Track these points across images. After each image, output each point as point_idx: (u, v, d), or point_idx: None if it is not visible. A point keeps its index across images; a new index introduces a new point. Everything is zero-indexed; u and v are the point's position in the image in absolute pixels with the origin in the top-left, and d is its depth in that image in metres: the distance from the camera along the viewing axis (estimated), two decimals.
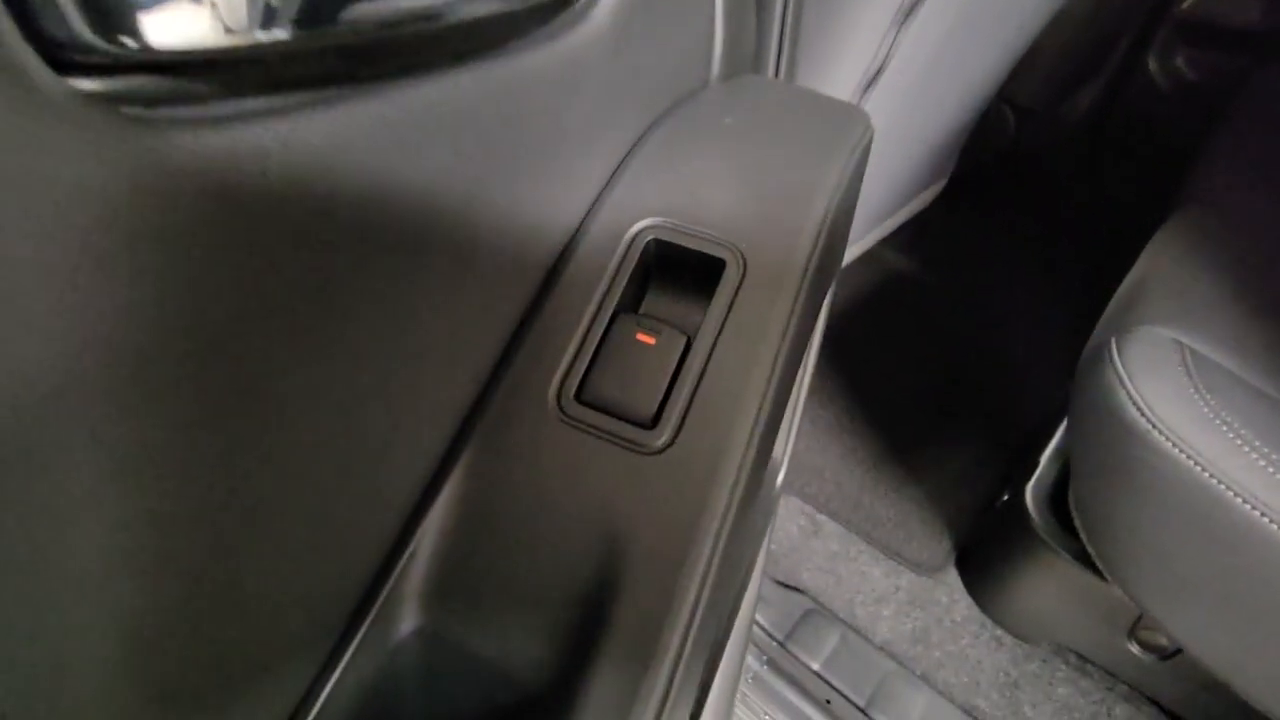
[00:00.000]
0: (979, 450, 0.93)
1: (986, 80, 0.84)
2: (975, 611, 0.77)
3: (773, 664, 0.73)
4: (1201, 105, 1.41)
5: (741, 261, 0.20)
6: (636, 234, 0.21)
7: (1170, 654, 0.64)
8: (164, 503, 0.12)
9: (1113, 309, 0.61)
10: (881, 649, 0.74)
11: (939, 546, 0.82)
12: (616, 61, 0.20)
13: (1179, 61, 1.51)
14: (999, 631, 0.75)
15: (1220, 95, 1.30)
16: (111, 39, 0.10)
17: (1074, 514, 0.64)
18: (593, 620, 0.17)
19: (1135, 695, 0.70)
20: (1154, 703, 0.69)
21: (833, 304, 1.16)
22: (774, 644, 0.74)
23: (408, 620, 0.18)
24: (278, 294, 0.13)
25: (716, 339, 0.19)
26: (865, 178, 0.67)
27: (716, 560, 0.17)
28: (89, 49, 0.10)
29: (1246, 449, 0.48)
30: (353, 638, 0.18)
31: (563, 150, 0.20)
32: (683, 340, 0.20)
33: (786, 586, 0.79)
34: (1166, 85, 1.53)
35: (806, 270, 0.20)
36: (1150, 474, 0.50)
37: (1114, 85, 1.55)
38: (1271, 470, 0.47)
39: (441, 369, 0.18)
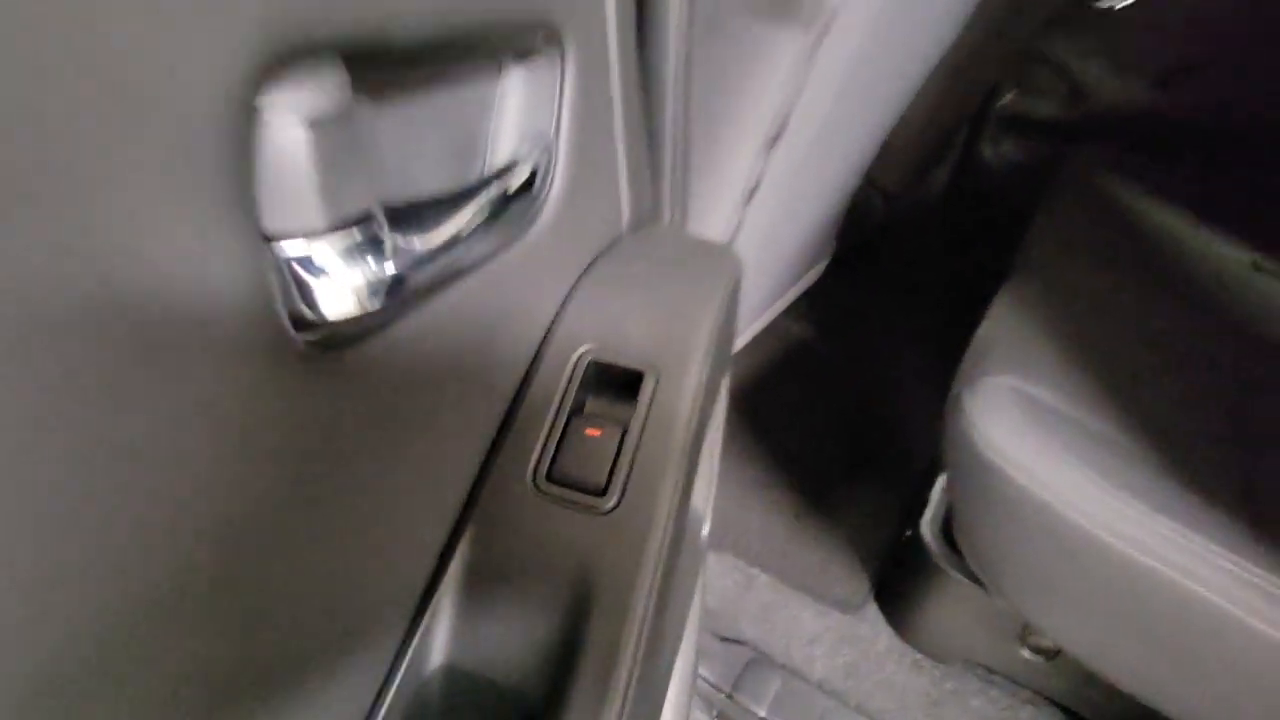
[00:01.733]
0: (884, 494, 1.04)
1: (850, 175, 0.99)
2: (896, 641, 0.85)
3: (722, 715, 0.78)
4: (1029, 181, 1.68)
5: (656, 373, 0.29)
6: (579, 357, 0.29)
7: (1054, 654, 0.74)
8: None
9: (964, 364, 0.73)
10: (819, 687, 0.81)
11: (859, 585, 0.91)
12: (559, 237, 0.29)
13: (1006, 147, 1.81)
14: (918, 656, 0.83)
15: (1043, 172, 1.56)
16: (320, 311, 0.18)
17: (957, 540, 0.74)
18: (569, 644, 0.23)
19: (1036, 698, 0.79)
20: (1052, 703, 0.78)
21: (742, 375, 1.27)
22: (722, 696, 0.79)
23: (436, 658, 0.24)
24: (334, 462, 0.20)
25: (643, 429, 0.27)
26: (757, 264, 0.78)
27: (658, 583, 0.24)
28: (319, 321, 0.18)
29: (1074, 472, 0.59)
30: (394, 678, 0.23)
31: (527, 303, 0.28)
32: (620, 431, 0.28)
33: (728, 640, 0.85)
34: (999, 167, 1.81)
35: (701, 375, 0.28)
36: (1001, 499, 0.61)
37: (959, 169, 1.82)
38: (1095, 488, 0.58)
39: (444, 466, 0.25)
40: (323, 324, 0.18)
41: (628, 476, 0.26)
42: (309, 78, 0.16)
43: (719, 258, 0.36)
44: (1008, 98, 1.76)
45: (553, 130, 0.27)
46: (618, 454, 0.27)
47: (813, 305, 1.40)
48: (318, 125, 0.16)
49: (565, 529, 0.25)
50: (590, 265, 0.32)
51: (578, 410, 0.28)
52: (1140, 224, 1.21)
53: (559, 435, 0.27)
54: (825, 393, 1.28)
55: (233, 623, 0.18)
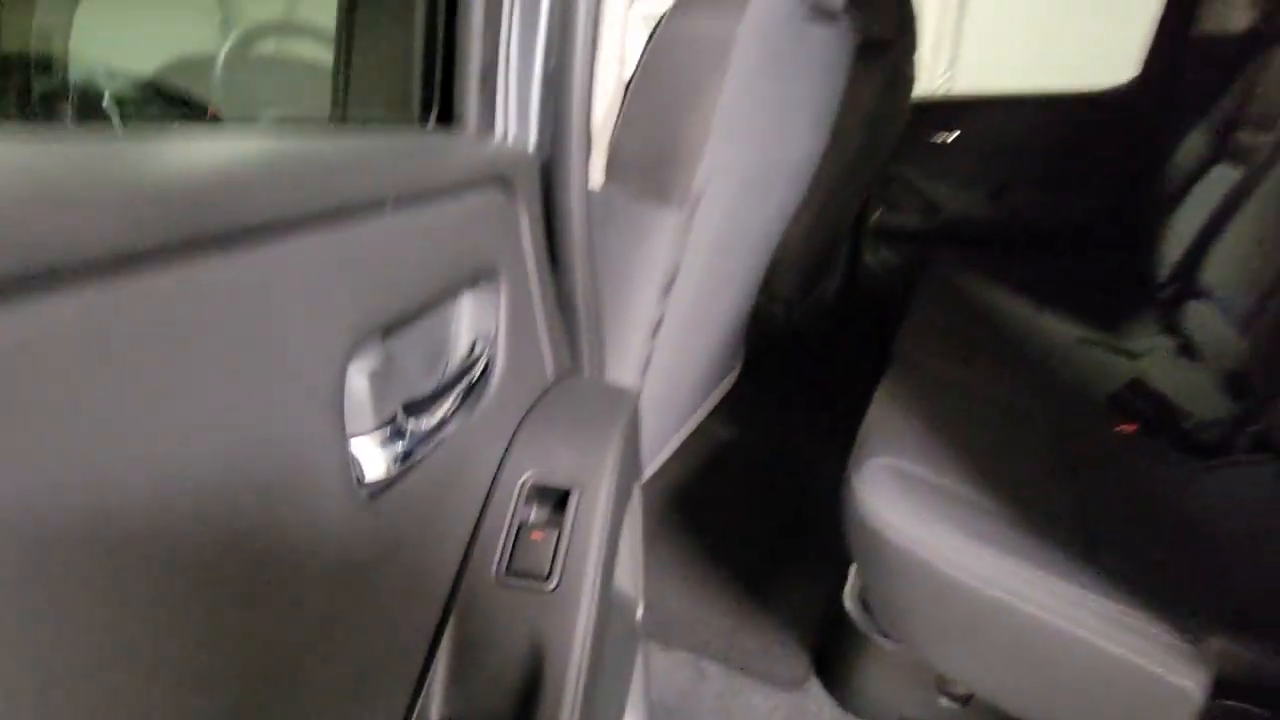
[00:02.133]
0: (814, 574, 1.14)
1: (738, 299, 1.16)
2: (838, 710, 0.93)
3: None
4: (905, 281, 1.94)
5: (579, 489, 0.40)
6: (523, 482, 0.40)
7: (967, 699, 0.83)
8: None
9: (853, 450, 0.87)
10: None
11: (801, 662, 0.99)
12: (503, 401, 0.41)
13: (884, 254, 2.09)
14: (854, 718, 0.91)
15: (914, 272, 1.82)
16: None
17: (870, 606, 0.85)
18: (531, 689, 0.32)
19: None
20: None
21: (678, 478, 1.38)
22: None
23: (436, 712, 0.32)
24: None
25: (572, 529, 0.38)
26: (671, 383, 0.91)
27: (592, 638, 0.34)
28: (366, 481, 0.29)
29: (943, 532, 0.72)
30: None
31: (485, 450, 0.39)
32: (556, 533, 0.38)
33: None
34: (880, 271, 2.08)
35: (611, 488, 0.40)
36: (891, 563, 0.73)
37: (848, 275, 2.09)
38: (959, 543, 0.71)
39: (437, 569, 0.35)
40: (369, 484, 0.29)
41: (564, 564, 0.37)
42: (367, 350, 0.28)
43: (619, 398, 0.48)
44: (878, 214, 2.07)
45: (494, 330, 0.40)
46: (555, 549, 0.37)
47: (733, 409, 1.55)
48: (371, 374, 0.27)
49: (521, 608, 0.35)
50: (526, 414, 0.44)
51: (524, 520, 0.39)
52: (989, 312, 1.44)
53: (513, 540, 0.38)
54: (754, 486, 1.40)
55: (297, 690, 0.27)
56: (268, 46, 1.20)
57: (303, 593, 0.26)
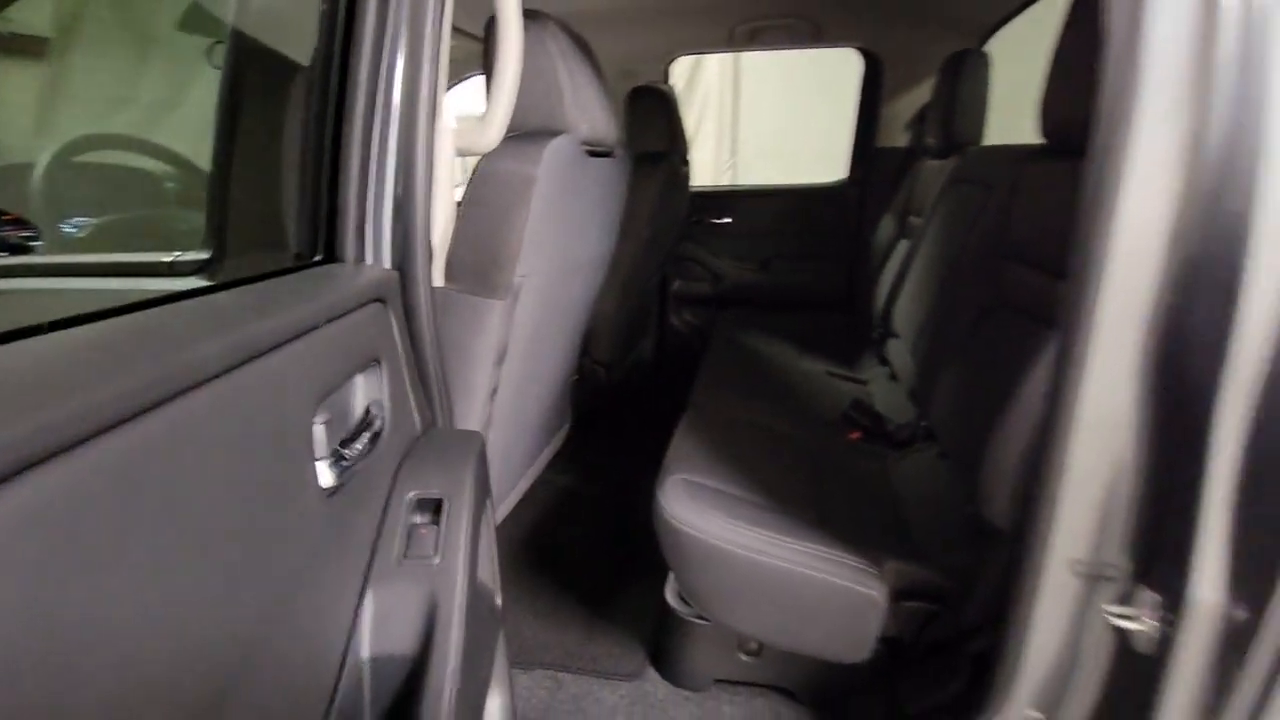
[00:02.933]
0: (643, 585, 1.36)
1: (561, 366, 1.39)
2: (669, 687, 1.14)
3: None
4: (703, 338, 2.32)
5: (449, 498, 0.58)
6: (409, 497, 0.57)
7: (758, 651, 1.09)
8: None
9: (660, 473, 1.12)
10: None
11: (638, 656, 1.19)
12: (391, 446, 0.59)
13: (686, 316, 2.47)
14: (685, 692, 1.12)
15: (709, 331, 2.20)
16: None
17: (683, 593, 1.09)
18: (429, 635, 0.50)
19: (761, 690, 1.12)
20: (770, 688, 1.12)
21: (526, 523, 1.54)
22: None
23: (366, 652, 0.48)
24: None
25: (447, 524, 0.56)
26: (509, 438, 1.10)
27: (467, 599, 0.52)
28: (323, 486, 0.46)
29: (719, 520, 0.98)
30: (341, 673, 0.47)
31: (382, 477, 0.57)
32: (436, 528, 0.56)
33: None
34: (685, 331, 2.45)
35: (469, 497, 0.59)
36: (688, 550, 0.98)
37: (659, 336, 2.43)
38: (730, 525, 0.97)
39: (359, 555, 0.51)
40: (324, 488, 0.45)
41: (444, 548, 0.55)
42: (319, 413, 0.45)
43: (469, 438, 0.68)
44: (677, 285, 2.46)
45: (381, 398, 0.58)
46: (437, 539, 0.55)
47: (571, 460, 1.77)
48: (321, 425, 0.45)
49: (417, 578, 0.52)
50: (406, 452, 0.62)
51: (413, 522, 0.56)
52: (762, 358, 1.82)
53: (407, 534, 0.55)
54: (590, 524, 1.62)
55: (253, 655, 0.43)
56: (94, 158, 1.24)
57: (288, 555, 0.42)
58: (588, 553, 1.50)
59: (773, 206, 2.44)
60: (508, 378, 1.02)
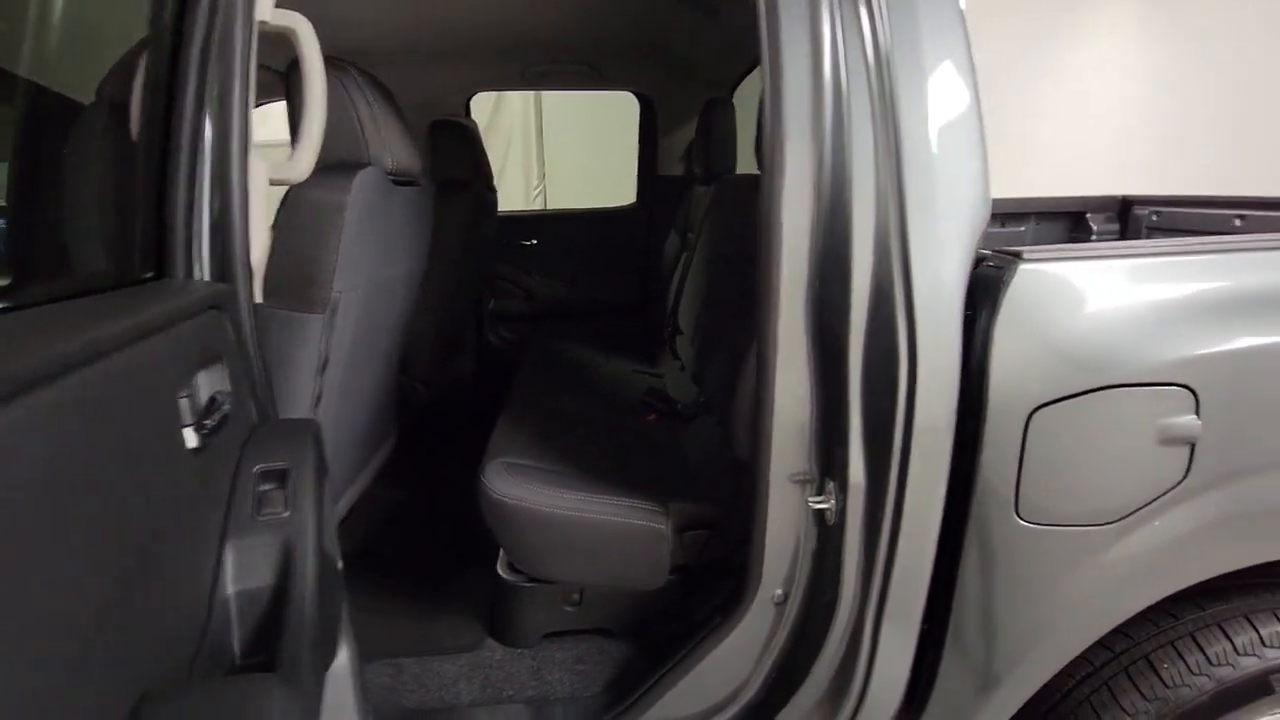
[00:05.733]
0: (475, 568, 1.47)
1: (382, 377, 1.46)
2: (506, 649, 1.28)
3: None
4: (521, 353, 2.49)
5: (294, 468, 0.69)
6: (259, 468, 0.68)
7: (579, 600, 1.28)
8: None
9: (483, 459, 1.26)
10: (470, 705, 1.17)
11: (477, 628, 1.32)
12: (232, 431, 0.69)
13: (503, 333, 2.62)
14: (519, 650, 1.28)
15: (526, 344, 2.37)
16: None
17: (512, 561, 1.24)
18: (285, 581, 0.61)
19: (587, 636, 1.31)
20: (596, 632, 1.32)
21: (360, 536, 1.58)
22: None
23: (230, 589, 0.58)
24: None
25: (296, 489, 0.67)
26: (339, 442, 1.19)
27: (316, 545, 0.64)
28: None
29: (533, 488, 1.16)
30: (210, 610, 0.57)
31: (233, 452, 0.67)
32: (283, 490, 0.67)
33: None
34: (502, 347, 2.60)
35: (310, 465, 0.70)
36: (509, 519, 1.14)
37: (478, 353, 2.55)
38: (542, 491, 1.15)
39: (219, 510, 0.61)
40: (188, 449, 0.55)
41: (293, 505, 0.66)
42: (181, 391, 0.56)
43: (306, 424, 0.79)
44: (493, 304, 2.60)
45: (224, 388, 0.68)
46: (286, 498, 0.66)
47: (399, 474, 1.83)
48: (183, 400, 0.55)
49: (272, 530, 0.63)
50: (250, 435, 0.72)
51: (262, 489, 0.66)
52: (576, 362, 2.04)
53: (259, 496, 0.65)
54: (422, 528, 1.70)
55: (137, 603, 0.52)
56: None
57: (164, 504, 0.52)
58: (421, 554, 1.59)
59: (576, 228, 2.69)
60: (331, 387, 1.11)
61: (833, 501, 0.95)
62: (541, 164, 4.99)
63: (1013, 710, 0.99)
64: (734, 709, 1.07)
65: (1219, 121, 3.43)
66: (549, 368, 1.95)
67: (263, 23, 0.89)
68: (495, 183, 2.27)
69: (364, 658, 1.25)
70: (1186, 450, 0.85)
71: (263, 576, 0.61)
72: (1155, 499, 0.87)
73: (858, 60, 0.87)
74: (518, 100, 4.51)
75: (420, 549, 1.61)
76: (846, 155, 0.87)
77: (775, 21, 0.88)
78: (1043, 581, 0.91)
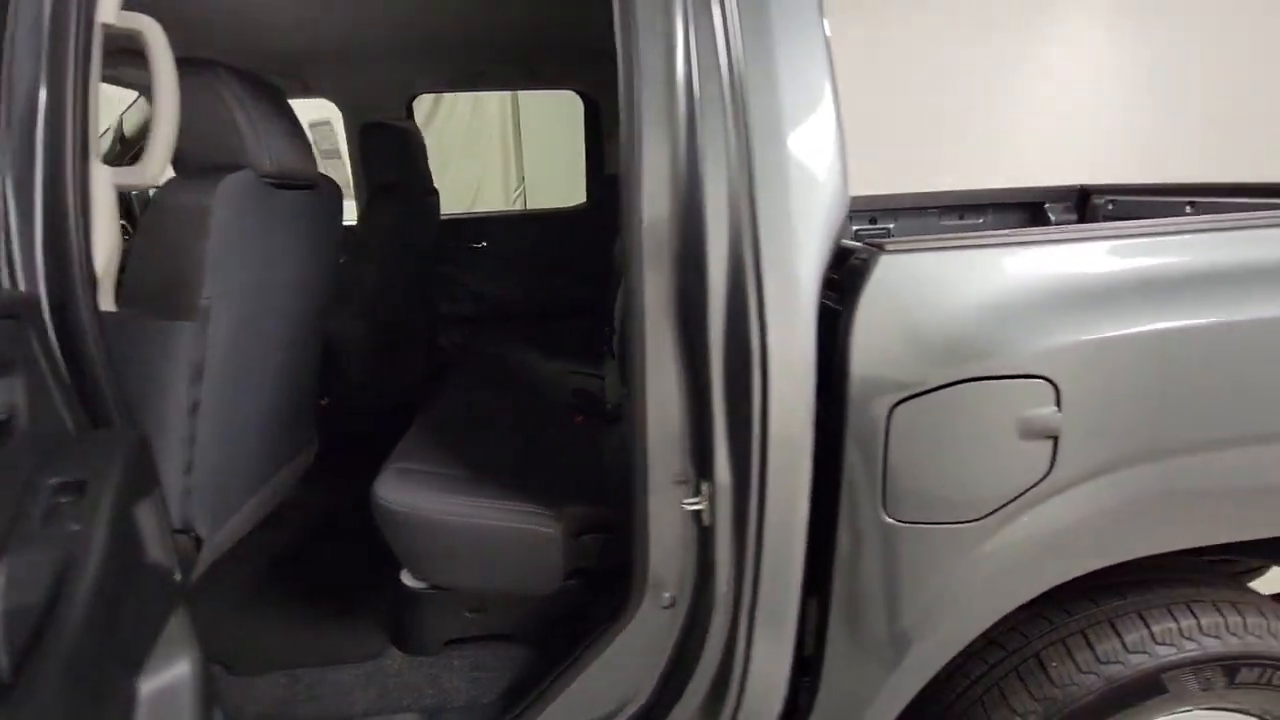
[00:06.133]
0: (383, 573, 1.44)
1: (286, 384, 1.39)
2: (406, 659, 1.26)
3: None
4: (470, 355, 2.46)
5: (93, 479, 0.67)
6: (51, 481, 0.66)
7: (480, 608, 1.26)
8: None
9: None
10: (363, 714, 1.15)
11: (379, 637, 1.30)
12: (29, 436, 0.66)
13: (454, 335, 2.60)
14: (420, 659, 1.26)
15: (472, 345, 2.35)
16: None
17: (409, 569, 1.22)
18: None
19: (490, 641, 1.29)
20: (497, 637, 1.29)
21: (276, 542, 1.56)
22: None
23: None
24: None
25: (94, 500, 0.66)
26: (231, 451, 1.16)
27: (99, 571, 0.62)
28: None
29: (427, 495, 1.14)
30: None
31: (23, 461, 0.65)
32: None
33: None
34: (453, 350, 2.58)
35: (115, 480, 0.69)
36: (403, 527, 1.12)
37: (428, 357, 2.53)
38: (444, 500, 1.13)
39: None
40: None
41: (84, 519, 0.64)
42: None
43: (122, 435, 0.77)
44: (445, 305, 2.58)
45: (16, 402, 0.66)
46: (79, 513, 0.64)
47: (331, 480, 1.80)
48: None
49: (56, 544, 0.61)
50: (51, 451, 0.70)
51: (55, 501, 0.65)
52: (509, 364, 2.02)
53: (49, 509, 0.63)
54: (343, 534, 1.67)
55: None
56: None
57: None
58: (337, 562, 1.57)
59: (526, 230, 2.68)
60: (212, 396, 1.09)
61: (706, 503, 0.93)
62: (520, 166, 5.00)
63: (896, 711, 0.96)
64: (623, 717, 1.05)
65: (1195, 110, 3.41)
66: (481, 371, 1.93)
67: (108, 25, 0.88)
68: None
69: (259, 670, 1.24)
70: (1049, 444, 0.83)
71: (36, 593, 0.58)
72: (1021, 494, 0.84)
73: (709, 54, 0.85)
74: (495, 103, 4.51)
75: (337, 557, 1.59)
76: (699, 153, 0.85)
77: (630, 13, 0.86)
78: (913, 581, 0.89)
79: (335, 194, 1.42)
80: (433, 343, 2.56)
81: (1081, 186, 1.84)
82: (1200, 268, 0.85)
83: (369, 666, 1.23)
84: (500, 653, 1.26)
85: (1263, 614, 1.00)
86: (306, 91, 2.17)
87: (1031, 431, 0.82)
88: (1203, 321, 0.83)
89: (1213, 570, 1.15)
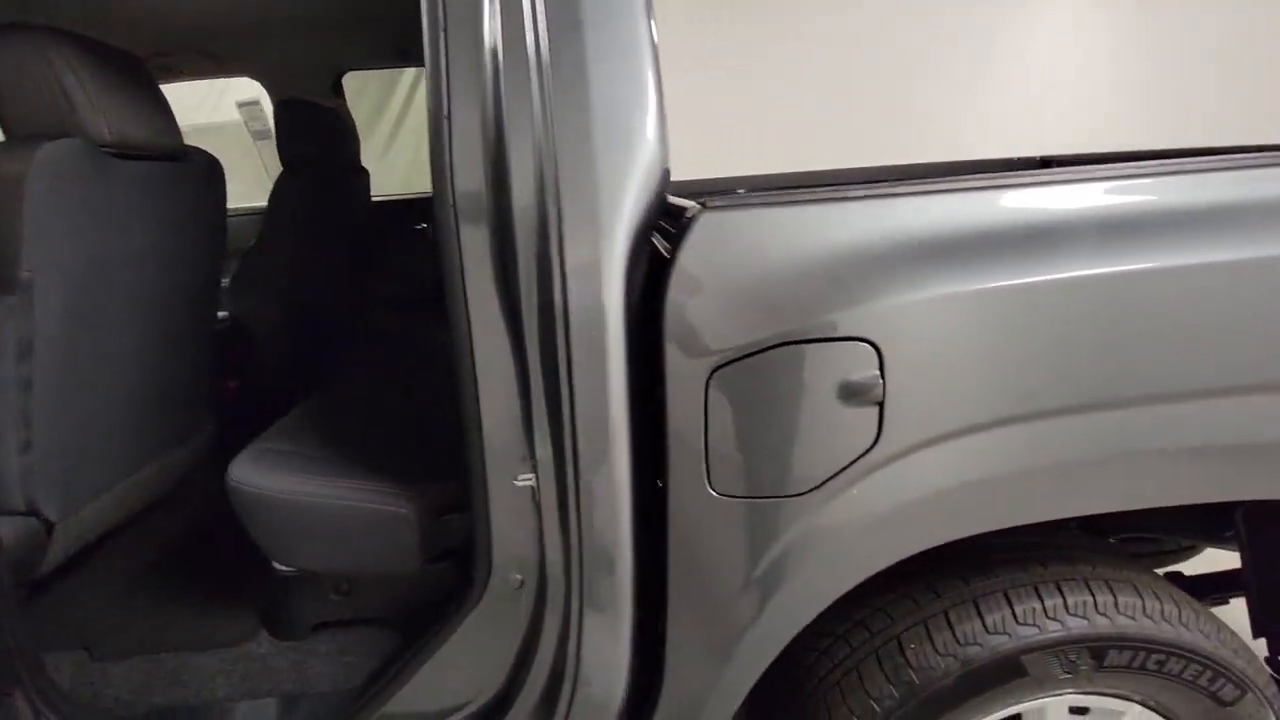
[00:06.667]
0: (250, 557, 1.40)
1: (156, 363, 1.31)
2: (274, 643, 1.23)
3: None
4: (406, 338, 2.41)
5: None
6: None
7: (348, 590, 1.23)
8: None
9: None
10: (224, 699, 1.12)
11: (250, 622, 1.26)
12: None
13: (390, 318, 2.55)
14: (285, 644, 1.22)
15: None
16: None
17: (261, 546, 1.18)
18: None
19: (359, 625, 1.25)
20: (366, 620, 1.25)
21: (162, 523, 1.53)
22: None
23: None
24: None
25: None
26: (86, 431, 1.12)
27: None
28: None
29: (280, 475, 1.09)
30: None
31: None
32: None
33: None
34: (390, 332, 2.53)
35: None
36: (251, 508, 1.07)
37: (362, 339, 2.48)
38: (288, 481, 1.09)
39: None
40: None
41: None
42: None
43: None
44: (383, 287, 2.53)
45: None
46: None
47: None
48: None
49: None
50: None
51: None
52: (422, 343, 1.97)
53: None
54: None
55: None
56: None
57: None
58: (221, 545, 1.52)
59: None
60: (51, 374, 1.05)
61: (534, 477, 0.88)
62: None
63: (739, 699, 0.92)
64: (475, 705, 1.00)
65: (1183, 82, 3.35)
66: (394, 350, 1.89)
67: None
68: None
69: (121, 655, 1.21)
70: (875, 411, 0.77)
71: None
72: (848, 465, 0.79)
73: (515, 12, 0.79)
74: None
75: (224, 541, 1.54)
76: (504, 112, 0.79)
77: None
78: (744, 560, 0.84)
79: (209, 166, 1.37)
80: (363, 325, 2.51)
81: (1042, 158, 1.77)
82: (1042, 222, 0.78)
83: (234, 651, 1.20)
84: (369, 636, 1.22)
85: (1139, 593, 0.94)
86: (227, 69, 2.12)
87: (854, 398, 0.77)
88: (1043, 278, 0.77)
89: (1111, 549, 1.09)
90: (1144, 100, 3.36)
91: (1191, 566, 1.47)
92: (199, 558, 1.47)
